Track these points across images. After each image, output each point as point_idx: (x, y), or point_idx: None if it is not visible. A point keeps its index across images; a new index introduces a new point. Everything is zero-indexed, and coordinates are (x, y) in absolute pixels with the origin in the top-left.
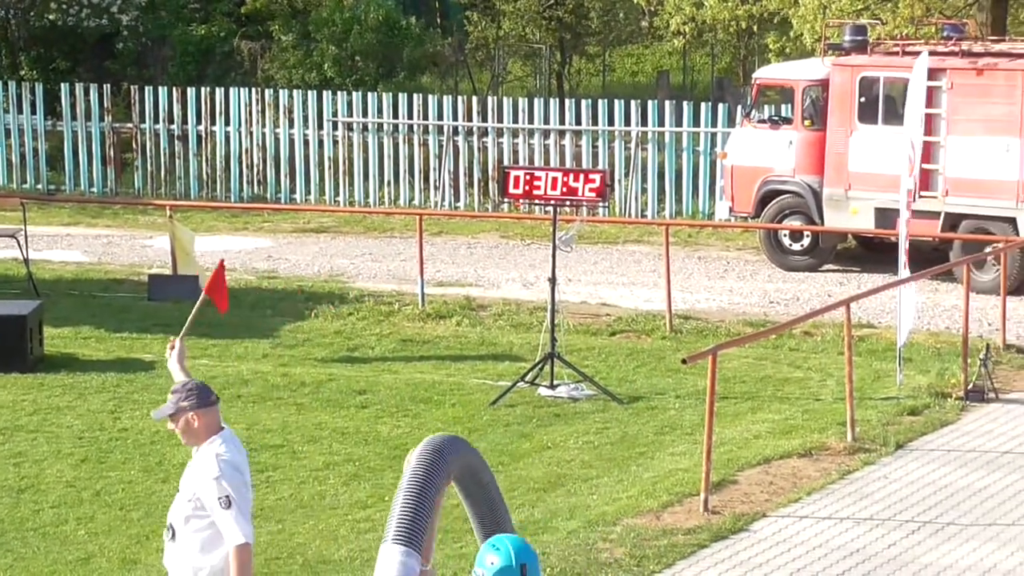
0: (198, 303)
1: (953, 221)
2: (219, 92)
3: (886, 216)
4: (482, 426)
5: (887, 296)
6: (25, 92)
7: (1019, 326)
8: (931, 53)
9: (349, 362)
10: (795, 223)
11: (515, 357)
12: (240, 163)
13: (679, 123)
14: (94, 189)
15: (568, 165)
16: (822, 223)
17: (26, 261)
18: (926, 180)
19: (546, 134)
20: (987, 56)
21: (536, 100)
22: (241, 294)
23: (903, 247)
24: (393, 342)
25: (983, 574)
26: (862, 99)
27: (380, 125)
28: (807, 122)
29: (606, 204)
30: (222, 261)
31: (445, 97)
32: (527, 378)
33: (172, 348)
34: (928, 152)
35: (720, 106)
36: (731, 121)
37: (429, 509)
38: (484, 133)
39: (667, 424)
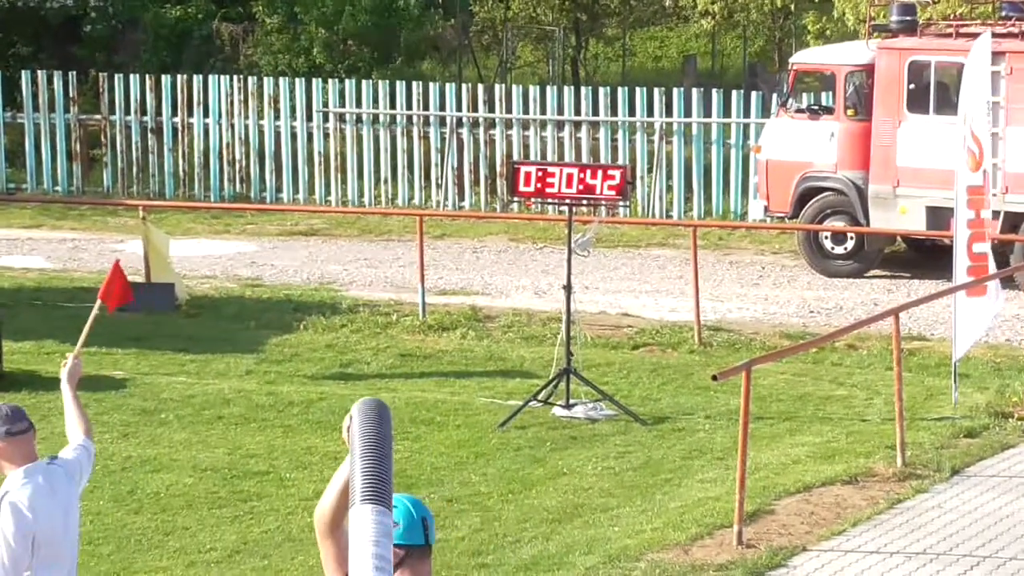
0: (93, 312)
1: (1014, 221)
2: (197, 80)
3: (939, 216)
4: (490, 450)
5: (941, 305)
6: None
7: None
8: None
9: (342, 379)
10: (837, 224)
11: (526, 373)
12: (221, 159)
13: (708, 113)
14: (58, 188)
15: (584, 160)
16: (867, 224)
17: None
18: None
19: (560, 126)
20: None
21: (549, 88)
22: (222, 304)
23: (959, 250)
24: (391, 357)
25: None
26: (911, 86)
27: (375, 116)
28: (850, 112)
29: (627, 203)
30: (117, 261)
31: (448, 85)
32: (540, 397)
33: (65, 365)
34: None
35: (753, 94)
36: (765, 111)
37: (391, 467)
38: (491, 125)
39: (696, 448)
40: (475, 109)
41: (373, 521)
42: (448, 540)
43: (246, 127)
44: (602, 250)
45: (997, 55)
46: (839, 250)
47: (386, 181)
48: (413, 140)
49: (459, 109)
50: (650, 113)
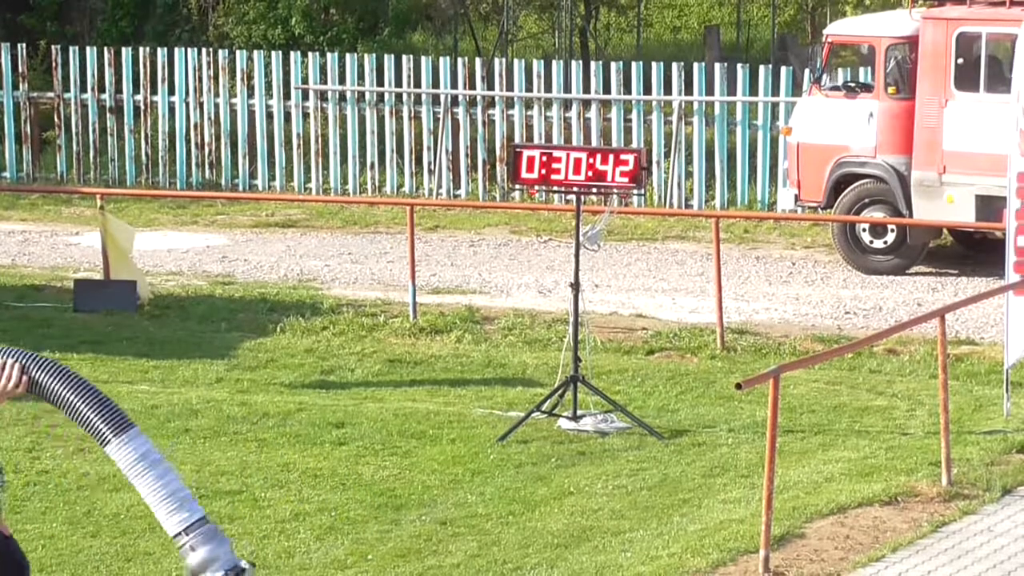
0: None
1: None
2: (161, 53)
3: (990, 206)
4: (488, 467)
5: (991, 305)
6: None
7: None
8: None
9: (323, 388)
10: (877, 215)
11: (529, 381)
12: (188, 141)
13: (732, 91)
14: (6, 174)
15: (594, 143)
16: (910, 214)
17: None
18: None
19: (567, 105)
20: None
21: (555, 63)
22: (189, 303)
23: (1011, 244)
24: (377, 363)
25: None
26: (960, 60)
27: (361, 94)
28: (891, 89)
29: (641, 192)
30: None
31: (442, 59)
32: (544, 407)
33: None
34: None
35: (783, 69)
36: (796, 88)
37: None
38: (490, 104)
39: (718, 464)
40: (472, 86)
41: (141, 444)
42: (442, 567)
43: (216, 106)
44: (614, 244)
45: None
46: (878, 244)
47: (373, 167)
48: (403, 121)
49: (454, 86)
50: (667, 91)
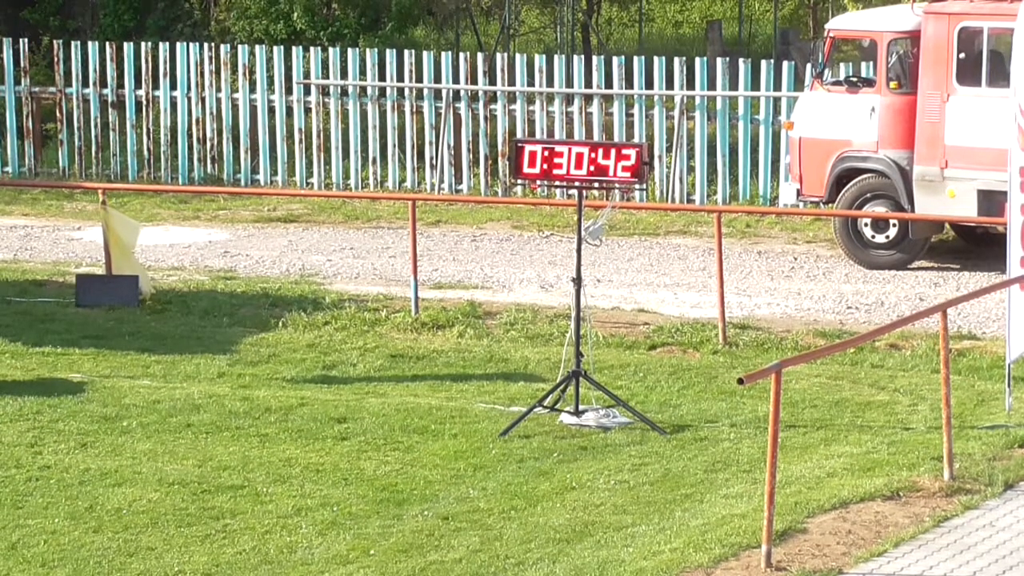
0: None
1: None
2: (163, 48)
3: (992, 200)
4: (490, 462)
5: (993, 300)
6: None
7: None
8: None
9: (325, 383)
10: (879, 209)
11: (531, 376)
12: (189, 136)
13: (734, 86)
14: (8, 169)
15: (596, 138)
16: (912, 209)
17: None
18: None
19: (569, 100)
20: None
21: (556, 57)
22: (191, 298)
23: (1013, 239)
24: (380, 358)
25: None
26: (962, 55)
27: (363, 89)
28: (893, 84)
29: (643, 186)
30: None
31: (443, 54)
32: (546, 402)
33: None
34: None
35: (784, 64)
36: (798, 83)
37: None
38: (492, 99)
39: (720, 459)
40: (474, 81)
41: None
42: (444, 562)
43: (218, 101)
44: (615, 238)
45: None
46: (880, 239)
47: (375, 161)
48: (405, 116)
49: (456, 81)
50: (669, 86)
